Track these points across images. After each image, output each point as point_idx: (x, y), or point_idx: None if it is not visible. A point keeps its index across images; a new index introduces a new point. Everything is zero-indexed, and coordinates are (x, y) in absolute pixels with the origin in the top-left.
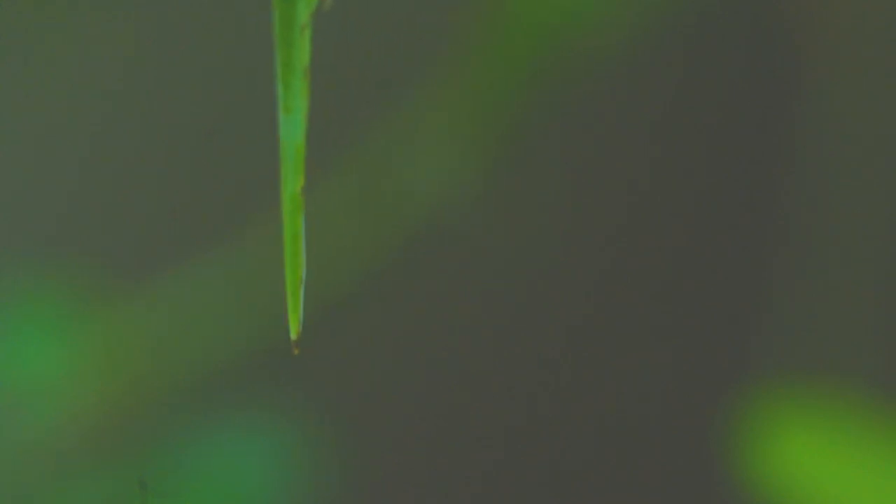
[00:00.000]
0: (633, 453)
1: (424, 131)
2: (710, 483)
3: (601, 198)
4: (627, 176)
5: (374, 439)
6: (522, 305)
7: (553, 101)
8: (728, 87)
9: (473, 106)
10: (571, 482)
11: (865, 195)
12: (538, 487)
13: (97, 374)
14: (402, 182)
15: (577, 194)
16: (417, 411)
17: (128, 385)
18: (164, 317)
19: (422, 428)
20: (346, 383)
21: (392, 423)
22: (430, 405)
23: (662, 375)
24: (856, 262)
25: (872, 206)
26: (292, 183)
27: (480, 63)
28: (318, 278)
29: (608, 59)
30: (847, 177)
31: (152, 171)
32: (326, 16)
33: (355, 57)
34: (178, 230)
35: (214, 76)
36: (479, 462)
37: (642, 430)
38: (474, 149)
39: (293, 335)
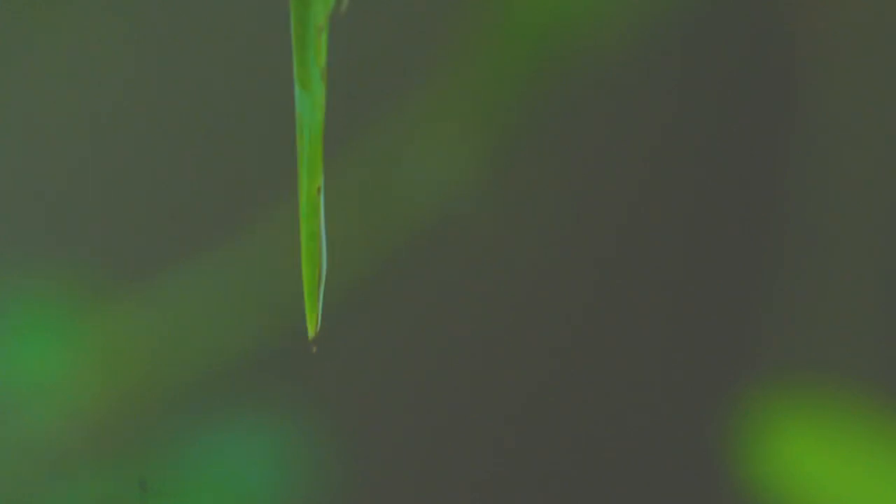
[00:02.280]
0: (633, 453)
1: (429, 129)
2: (711, 483)
3: (603, 196)
4: (629, 175)
5: (375, 439)
6: (524, 304)
7: (555, 99)
8: (728, 87)
9: (478, 104)
10: (572, 482)
11: (865, 195)
12: (539, 487)
13: (97, 374)
14: (406, 180)
15: (579, 192)
16: (419, 411)
17: (128, 385)
18: (165, 316)
19: (423, 427)
20: (346, 383)
21: (394, 422)
22: (431, 404)
23: (663, 375)
24: (856, 262)
25: (872, 206)
26: (309, 183)
27: (484, 62)
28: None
29: (608, 59)
30: (847, 177)
31: (153, 171)
32: (336, 16)
33: (360, 57)
34: (179, 230)
35: (213, 76)
36: (481, 461)
37: (642, 430)
38: (478, 146)
39: (311, 333)
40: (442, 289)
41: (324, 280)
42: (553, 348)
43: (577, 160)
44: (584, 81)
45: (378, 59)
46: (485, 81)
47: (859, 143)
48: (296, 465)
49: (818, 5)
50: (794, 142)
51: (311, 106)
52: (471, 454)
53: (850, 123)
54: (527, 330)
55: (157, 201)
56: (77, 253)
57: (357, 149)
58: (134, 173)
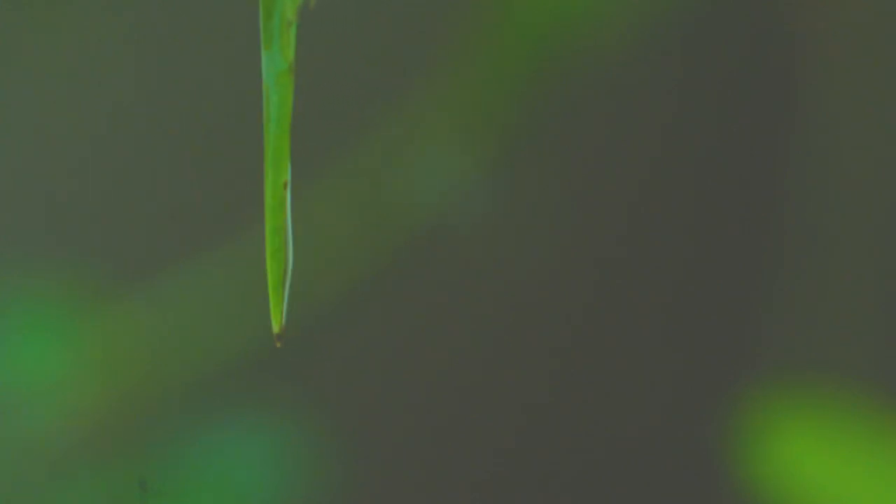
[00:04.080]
0: (633, 453)
1: (425, 130)
2: (711, 483)
3: (602, 198)
4: (628, 176)
5: (373, 439)
6: (523, 304)
7: (555, 99)
8: (728, 87)
9: (477, 103)
10: (571, 482)
11: (865, 195)
12: (538, 487)
13: (97, 374)
14: (401, 181)
15: (578, 192)
16: (417, 410)
17: (128, 385)
18: (164, 317)
19: (422, 427)
20: (345, 383)
21: (392, 422)
22: (430, 404)
23: (663, 375)
24: (856, 262)
25: (872, 206)
26: (275, 178)
27: (484, 61)
28: (317, 276)
29: (608, 59)
30: (847, 177)
31: (152, 171)
32: (327, 14)
33: (358, 55)
34: (178, 230)
35: (213, 76)
36: (481, 461)
37: (643, 430)
38: (478, 146)
39: (276, 329)
40: (442, 289)
41: (290, 275)
42: (553, 348)
43: (577, 160)
44: (584, 81)
45: (377, 57)
46: (485, 81)
47: (859, 143)
48: (296, 465)
49: (818, 5)
50: (794, 142)
51: (277, 100)
52: (471, 454)
53: (850, 123)
54: (526, 329)
55: (157, 201)
56: (77, 253)
57: (356, 148)
58: (134, 173)
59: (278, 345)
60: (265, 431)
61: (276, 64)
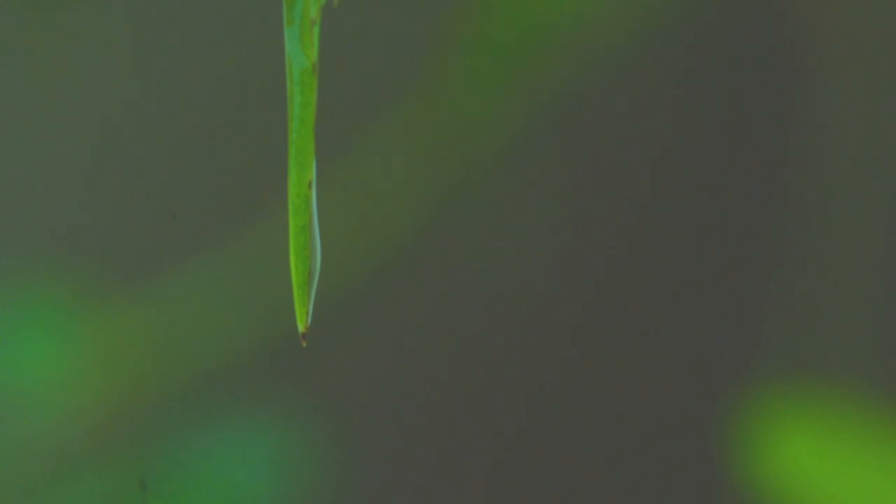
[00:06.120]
0: (633, 453)
1: (429, 128)
2: (711, 483)
3: (602, 198)
4: (628, 176)
5: (375, 439)
6: (524, 304)
7: (554, 100)
8: (728, 87)
9: (478, 103)
10: (572, 482)
11: (865, 195)
12: (539, 487)
13: (97, 374)
14: (407, 179)
15: (579, 193)
16: (419, 411)
17: (128, 385)
18: (165, 317)
19: (422, 427)
20: (346, 383)
21: (394, 422)
22: (430, 404)
23: (663, 375)
24: (856, 262)
25: (872, 206)
26: (299, 177)
27: (485, 60)
28: (319, 276)
29: (609, 59)
30: (847, 177)
31: (153, 171)
32: (332, 12)
33: (359, 54)
34: (178, 230)
35: (219, 74)
36: (481, 461)
37: (642, 430)
38: (479, 146)
39: (301, 328)
40: (442, 289)
41: (317, 275)
42: (553, 348)
43: (577, 160)
44: (584, 81)
45: (378, 56)
46: (486, 80)
47: (859, 143)
48: (296, 465)
49: (818, 5)
50: (794, 142)
51: (301, 100)
52: (471, 454)
53: (850, 123)
54: (527, 329)
55: (157, 201)
56: (77, 253)
57: (357, 147)
58: (134, 173)
59: (304, 343)
60: (265, 431)
61: (300, 63)
